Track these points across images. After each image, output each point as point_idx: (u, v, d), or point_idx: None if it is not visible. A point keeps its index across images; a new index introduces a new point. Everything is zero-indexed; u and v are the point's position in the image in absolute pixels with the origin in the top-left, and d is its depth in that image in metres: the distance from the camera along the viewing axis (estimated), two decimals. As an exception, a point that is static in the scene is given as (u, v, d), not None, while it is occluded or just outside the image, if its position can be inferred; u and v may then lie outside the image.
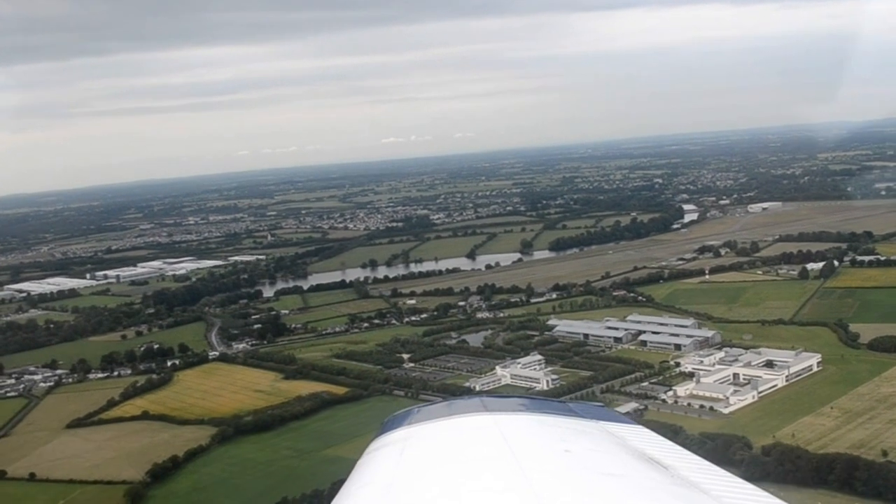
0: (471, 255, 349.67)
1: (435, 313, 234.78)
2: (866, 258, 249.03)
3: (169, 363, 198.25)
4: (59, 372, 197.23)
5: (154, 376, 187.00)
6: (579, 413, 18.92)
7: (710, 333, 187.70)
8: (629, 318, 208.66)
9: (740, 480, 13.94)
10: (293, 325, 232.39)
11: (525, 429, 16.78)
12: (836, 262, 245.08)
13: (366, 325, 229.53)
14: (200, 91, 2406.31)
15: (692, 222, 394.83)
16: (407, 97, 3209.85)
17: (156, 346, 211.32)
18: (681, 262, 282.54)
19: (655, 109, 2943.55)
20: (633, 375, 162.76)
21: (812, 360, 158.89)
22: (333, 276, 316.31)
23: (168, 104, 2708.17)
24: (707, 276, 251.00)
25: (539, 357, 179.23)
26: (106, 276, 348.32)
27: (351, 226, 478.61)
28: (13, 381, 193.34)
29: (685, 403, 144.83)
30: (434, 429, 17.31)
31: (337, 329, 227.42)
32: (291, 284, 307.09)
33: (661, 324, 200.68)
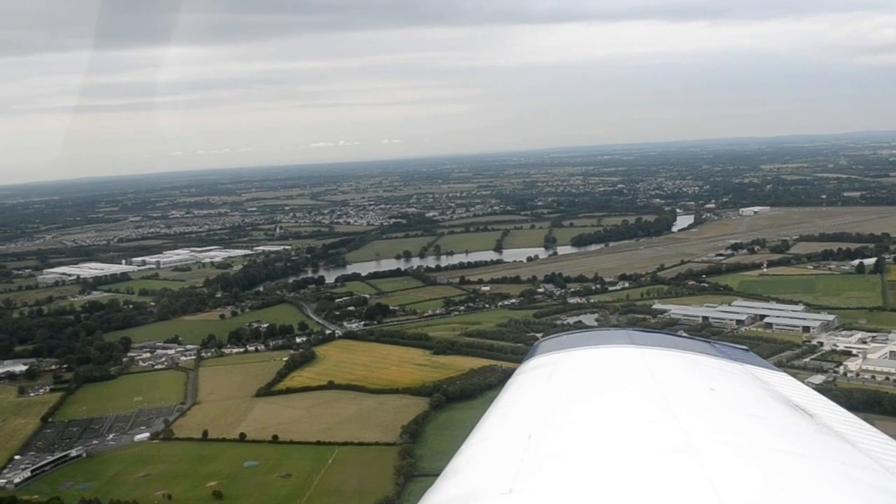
0: (497, 249, 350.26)
1: (521, 298, 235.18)
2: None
3: (298, 340, 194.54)
4: (189, 347, 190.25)
5: (294, 351, 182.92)
6: (725, 354, 18.62)
7: (830, 317, 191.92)
8: (734, 303, 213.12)
9: (884, 435, 13.46)
10: (392, 308, 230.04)
11: (670, 364, 16.59)
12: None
13: (462, 308, 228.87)
14: (143, 91, 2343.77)
15: (697, 223, 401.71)
16: (337, 103, 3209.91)
17: (278, 326, 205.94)
18: (720, 258, 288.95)
19: (582, 121, 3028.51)
20: (784, 354, 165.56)
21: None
22: (370, 266, 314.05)
23: (111, 103, 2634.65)
24: (765, 269, 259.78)
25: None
26: (144, 262, 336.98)
27: (351, 221, 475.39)
28: (148, 354, 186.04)
29: (868, 377, 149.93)
30: (582, 356, 17.30)
31: (437, 311, 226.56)
32: (349, 272, 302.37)
33: (774, 309, 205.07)
